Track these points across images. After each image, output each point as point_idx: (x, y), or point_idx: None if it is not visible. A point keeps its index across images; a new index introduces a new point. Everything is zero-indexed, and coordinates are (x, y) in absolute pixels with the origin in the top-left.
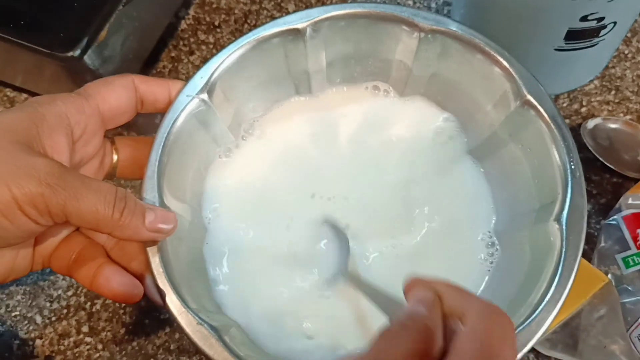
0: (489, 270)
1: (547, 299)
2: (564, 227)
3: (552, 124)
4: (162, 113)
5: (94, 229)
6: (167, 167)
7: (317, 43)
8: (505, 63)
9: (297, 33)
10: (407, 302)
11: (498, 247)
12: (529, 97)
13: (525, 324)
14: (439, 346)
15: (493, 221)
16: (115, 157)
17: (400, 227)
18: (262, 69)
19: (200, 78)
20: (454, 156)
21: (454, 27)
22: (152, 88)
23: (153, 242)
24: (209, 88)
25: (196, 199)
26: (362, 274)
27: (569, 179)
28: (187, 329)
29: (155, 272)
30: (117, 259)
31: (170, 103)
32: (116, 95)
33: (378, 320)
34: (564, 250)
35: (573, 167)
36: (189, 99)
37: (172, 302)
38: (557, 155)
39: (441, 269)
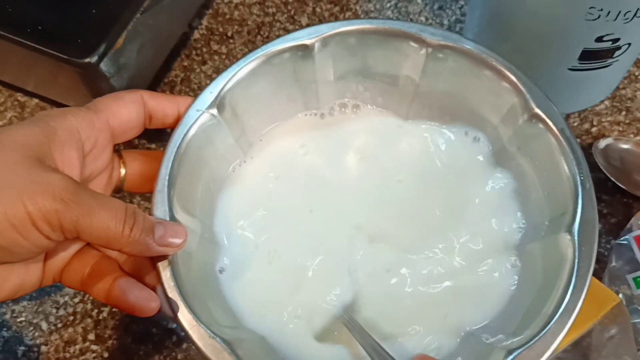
0: (513, 286)
1: (561, 309)
2: (576, 238)
3: (560, 137)
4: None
5: (105, 245)
6: (177, 181)
7: (325, 59)
8: (512, 77)
9: (305, 49)
10: None
11: (519, 261)
12: (537, 111)
13: (540, 334)
14: None
15: (515, 234)
16: (123, 171)
17: (417, 245)
18: (271, 85)
19: (209, 93)
20: (468, 169)
21: (461, 42)
22: (161, 104)
23: (164, 257)
24: (218, 103)
25: (206, 213)
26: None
27: (579, 190)
28: (199, 342)
29: (166, 286)
30: (130, 273)
31: (179, 119)
32: (126, 110)
33: None
34: (576, 261)
35: (582, 178)
36: (198, 113)
37: (184, 316)
38: (566, 168)
39: (465, 287)
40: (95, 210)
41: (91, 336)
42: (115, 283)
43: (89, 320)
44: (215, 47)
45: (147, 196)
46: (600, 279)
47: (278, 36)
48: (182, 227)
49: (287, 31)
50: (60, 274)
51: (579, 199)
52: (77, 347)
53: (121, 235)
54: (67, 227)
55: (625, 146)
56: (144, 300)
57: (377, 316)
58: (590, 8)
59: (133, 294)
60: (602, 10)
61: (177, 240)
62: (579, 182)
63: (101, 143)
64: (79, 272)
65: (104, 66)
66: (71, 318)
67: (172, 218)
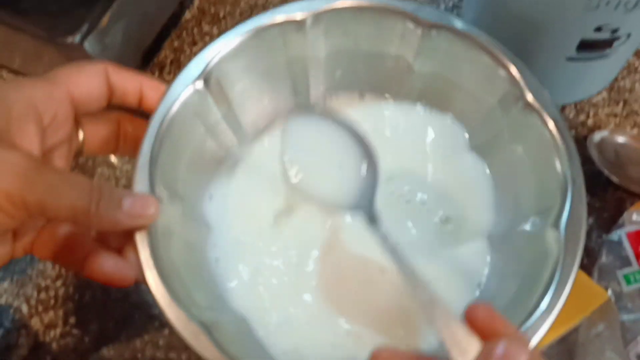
0: (485, 274)
1: (542, 306)
2: (562, 233)
3: (554, 130)
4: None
5: (72, 222)
6: (160, 158)
7: (317, 35)
8: (509, 64)
9: (296, 24)
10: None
11: (495, 248)
12: (531, 101)
13: (520, 330)
14: None
15: (493, 221)
16: (81, 136)
17: (400, 224)
18: (260, 60)
19: (196, 66)
20: (455, 154)
21: (457, 23)
22: (123, 80)
23: (141, 229)
24: (204, 77)
25: (193, 192)
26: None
27: (569, 185)
28: (177, 325)
29: (144, 266)
30: (104, 243)
31: (140, 99)
32: (87, 81)
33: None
34: (561, 257)
35: (573, 173)
36: (183, 87)
37: (163, 298)
38: (557, 162)
39: (436, 267)
40: (59, 188)
41: (72, 320)
42: (89, 255)
43: (70, 304)
44: (206, 28)
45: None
46: (590, 274)
47: None
48: (152, 197)
49: None
50: (32, 246)
51: (568, 194)
52: (58, 330)
53: (88, 211)
54: (31, 206)
55: (620, 140)
56: (120, 272)
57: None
58: None
59: (109, 265)
60: None
61: (148, 211)
62: (569, 177)
63: (61, 115)
64: (50, 244)
65: (87, 46)
66: (52, 301)
67: (153, 195)
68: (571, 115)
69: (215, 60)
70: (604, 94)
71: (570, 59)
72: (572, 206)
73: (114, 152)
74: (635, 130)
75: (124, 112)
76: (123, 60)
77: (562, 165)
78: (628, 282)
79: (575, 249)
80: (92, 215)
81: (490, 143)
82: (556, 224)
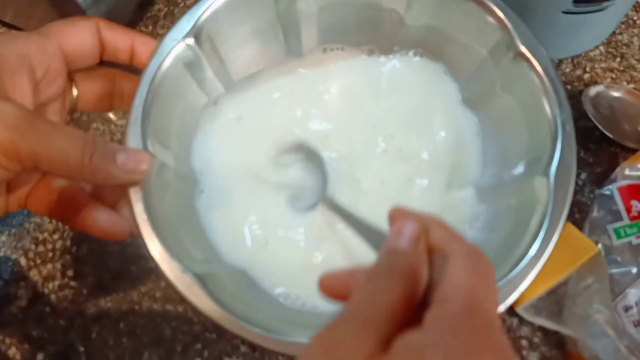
0: (476, 223)
1: (530, 252)
2: (551, 180)
3: (544, 77)
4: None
5: (65, 175)
6: (151, 113)
7: None
8: (499, 13)
9: None
10: (390, 233)
11: (486, 198)
12: (522, 49)
13: (508, 277)
14: (424, 285)
15: (480, 172)
16: (75, 92)
17: (388, 175)
18: (251, 15)
19: (187, 22)
20: (447, 105)
21: None
22: (115, 36)
23: (134, 184)
24: (195, 32)
25: (183, 147)
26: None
27: (559, 132)
28: (171, 276)
29: (139, 220)
30: (98, 198)
31: (132, 56)
32: (79, 36)
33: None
34: (550, 204)
35: (564, 120)
36: (175, 42)
37: (157, 250)
38: (548, 109)
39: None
40: (53, 139)
41: (70, 273)
42: (84, 209)
43: (68, 256)
44: None
45: None
46: (581, 228)
47: None
48: (146, 153)
49: None
50: (26, 200)
51: (558, 141)
52: (56, 283)
53: (81, 163)
54: (24, 157)
55: (616, 94)
56: (114, 226)
57: None
58: None
59: (103, 219)
60: None
61: (141, 167)
62: (559, 124)
63: (54, 69)
64: (45, 198)
65: None
66: (50, 254)
67: (146, 150)
68: (568, 70)
69: (206, 16)
70: (602, 49)
71: (567, 12)
72: (562, 153)
73: (109, 109)
74: (631, 85)
75: (119, 69)
76: (116, 13)
77: (552, 111)
78: (618, 236)
79: (565, 196)
80: (86, 167)
81: (483, 95)
82: (546, 172)
